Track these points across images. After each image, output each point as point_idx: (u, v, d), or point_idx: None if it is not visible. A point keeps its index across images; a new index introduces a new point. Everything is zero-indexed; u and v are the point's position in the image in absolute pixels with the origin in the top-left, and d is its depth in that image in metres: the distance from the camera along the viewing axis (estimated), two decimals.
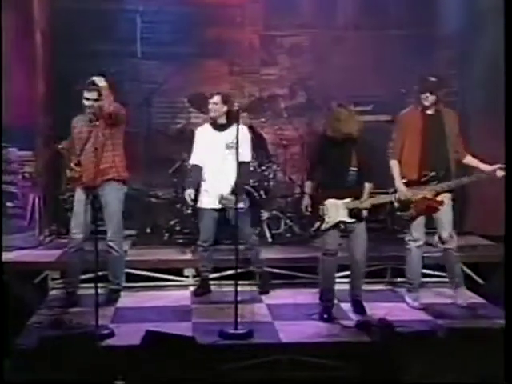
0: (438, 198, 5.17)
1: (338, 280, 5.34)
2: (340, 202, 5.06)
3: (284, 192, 7.05)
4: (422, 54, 7.23)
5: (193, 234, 6.44)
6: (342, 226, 5.09)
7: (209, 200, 5.49)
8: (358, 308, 5.23)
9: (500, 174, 4.95)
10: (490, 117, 6.51)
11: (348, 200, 5.07)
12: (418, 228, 5.25)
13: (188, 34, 7.42)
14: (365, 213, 5.11)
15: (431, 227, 5.39)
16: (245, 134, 5.38)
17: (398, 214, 5.23)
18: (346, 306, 5.30)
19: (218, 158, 5.43)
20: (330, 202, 5.06)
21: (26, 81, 6.27)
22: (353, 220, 5.08)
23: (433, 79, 5.17)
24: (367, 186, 5.12)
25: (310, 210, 5.16)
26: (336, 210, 5.07)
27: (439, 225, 5.26)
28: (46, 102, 6.87)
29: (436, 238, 5.38)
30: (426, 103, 5.17)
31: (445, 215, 5.21)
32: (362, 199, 5.08)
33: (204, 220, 5.56)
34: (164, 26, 7.41)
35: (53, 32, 7.02)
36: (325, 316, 5.07)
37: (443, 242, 5.27)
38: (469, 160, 5.25)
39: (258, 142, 6.92)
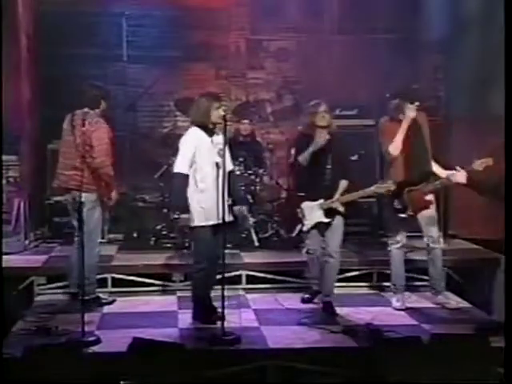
0: (427, 198, 5.25)
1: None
2: (314, 203, 5.18)
3: (271, 196, 7.06)
4: (407, 58, 7.28)
5: (179, 238, 6.46)
6: (321, 225, 5.24)
7: (206, 216, 4.88)
8: (328, 308, 5.26)
9: (460, 178, 4.89)
10: (475, 121, 6.55)
11: (321, 201, 5.19)
12: (399, 230, 5.31)
13: (174, 37, 7.41)
14: (341, 209, 5.20)
15: (414, 230, 5.43)
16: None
17: (399, 215, 5.22)
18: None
19: (213, 167, 4.88)
20: (305, 204, 5.22)
21: (11, 85, 6.21)
22: (329, 220, 5.21)
23: (415, 87, 5.34)
24: (342, 183, 5.21)
25: (304, 215, 5.26)
26: (312, 211, 5.20)
27: (427, 225, 5.29)
28: (31, 106, 6.81)
29: (425, 238, 5.37)
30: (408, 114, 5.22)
31: (432, 215, 5.29)
32: (333, 198, 5.17)
33: (202, 240, 4.92)
34: (150, 30, 7.40)
35: (38, 35, 6.97)
36: (306, 296, 5.43)
37: (432, 242, 5.30)
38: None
39: (251, 147, 6.94)
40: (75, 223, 5.18)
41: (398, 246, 5.33)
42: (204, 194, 4.88)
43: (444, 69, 7.21)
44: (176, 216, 4.88)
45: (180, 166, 4.89)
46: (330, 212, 5.22)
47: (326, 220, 5.21)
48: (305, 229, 5.33)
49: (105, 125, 5.34)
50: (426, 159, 5.26)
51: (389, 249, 5.36)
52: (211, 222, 4.87)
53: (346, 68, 7.36)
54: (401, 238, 5.32)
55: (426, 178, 5.25)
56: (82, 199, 5.13)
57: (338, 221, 5.25)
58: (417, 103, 5.18)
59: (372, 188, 5.14)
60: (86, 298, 5.19)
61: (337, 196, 5.19)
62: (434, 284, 5.42)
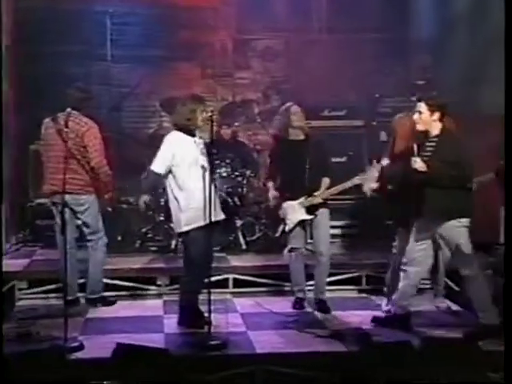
0: None
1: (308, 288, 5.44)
2: (295, 202, 5.24)
3: (258, 198, 7.05)
4: (396, 57, 7.33)
5: (165, 241, 6.44)
6: (304, 224, 5.30)
7: (194, 218, 4.83)
8: (323, 307, 5.32)
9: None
10: (465, 121, 6.57)
11: (302, 199, 5.25)
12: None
13: (159, 36, 7.38)
14: (322, 204, 5.25)
15: None
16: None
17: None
18: (321, 315, 5.31)
19: (198, 168, 4.87)
20: (286, 204, 5.30)
21: None
22: (311, 216, 5.27)
23: (420, 82, 5.26)
24: (324, 180, 5.27)
25: (286, 215, 5.30)
26: (293, 210, 5.26)
27: None
28: (11, 106, 6.74)
29: None
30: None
31: None
32: (314, 194, 5.22)
33: (192, 243, 4.85)
34: (135, 28, 7.37)
35: (20, 33, 6.91)
36: (296, 306, 5.36)
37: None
38: None
39: (235, 148, 6.93)
40: (69, 226, 5.17)
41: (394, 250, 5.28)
42: (189, 196, 4.85)
43: (433, 68, 7.23)
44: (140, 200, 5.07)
45: (156, 164, 4.91)
46: (312, 209, 5.27)
47: (309, 217, 5.27)
48: (287, 228, 5.37)
49: (95, 124, 5.32)
50: None
51: (394, 251, 5.26)
52: (199, 224, 4.84)
53: (335, 68, 7.36)
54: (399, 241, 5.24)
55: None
56: (81, 201, 5.20)
57: (323, 218, 5.31)
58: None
59: (353, 180, 5.16)
60: (93, 297, 5.42)
61: (320, 191, 5.24)
62: (434, 286, 5.42)
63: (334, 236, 6.31)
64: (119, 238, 6.66)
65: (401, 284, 4.91)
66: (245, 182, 6.79)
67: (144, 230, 6.68)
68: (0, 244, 5.65)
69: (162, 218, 6.53)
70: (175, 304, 5.14)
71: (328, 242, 5.38)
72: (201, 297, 4.96)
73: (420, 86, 5.19)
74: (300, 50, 7.58)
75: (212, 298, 4.64)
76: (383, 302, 5.39)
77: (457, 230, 4.67)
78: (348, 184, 5.20)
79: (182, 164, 4.85)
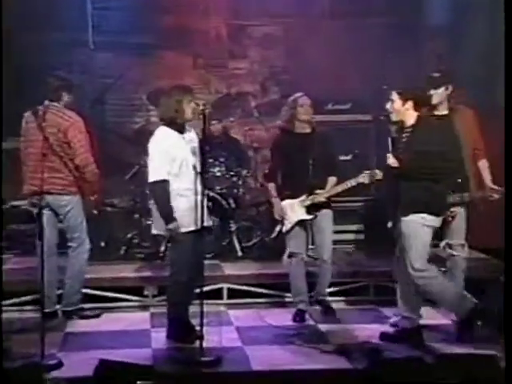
0: (451, 210, 5.12)
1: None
2: (295, 201, 5.28)
3: (255, 200, 7.08)
4: (407, 45, 7.32)
5: (153, 247, 6.46)
6: (305, 225, 5.34)
7: (183, 222, 4.80)
8: (326, 309, 5.42)
9: (495, 196, 4.97)
10: (481, 114, 6.59)
11: (303, 197, 5.30)
12: None
13: (146, 21, 7.40)
14: (325, 203, 5.30)
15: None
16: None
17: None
18: (325, 328, 5.32)
19: (187, 168, 4.84)
20: (285, 202, 5.35)
21: None
22: (311, 217, 5.31)
23: (436, 75, 5.17)
24: (330, 179, 5.32)
25: (285, 214, 5.34)
26: (293, 209, 5.30)
27: (449, 232, 5.25)
28: None
29: (443, 243, 5.32)
30: (434, 101, 5.16)
31: (457, 224, 5.20)
32: (316, 192, 5.26)
33: (180, 249, 4.83)
34: (118, 13, 7.39)
35: None
36: (297, 319, 5.36)
37: (451, 249, 5.26)
38: (483, 165, 5.26)
39: (229, 146, 6.95)
40: (49, 231, 5.20)
41: None
42: (179, 198, 4.84)
43: (446, 57, 7.25)
44: (171, 227, 4.77)
45: (156, 172, 4.78)
46: (312, 209, 5.32)
47: (308, 217, 5.31)
48: (284, 229, 5.40)
49: (79, 118, 5.32)
50: (460, 164, 5.09)
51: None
52: (189, 229, 4.84)
53: (339, 57, 7.41)
54: None
55: (452, 187, 5.08)
56: (63, 203, 5.20)
57: (326, 221, 5.36)
58: (431, 91, 5.10)
59: (356, 178, 5.19)
60: (69, 309, 5.40)
61: (324, 190, 5.28)
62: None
63: (338, 242, 6.37)
64: (102, 244, 6.65)
65: (400, 292, 4.93)
66: (240, 182, 6.81)
67: (130, 235, 6.69)
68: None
69: (149, 223, 6.49)
70: (163, 316, 5.12)
71: (330, 248, 5.44)
72: (192, 308, 4.97)
73: (435, 78, 5.18)
74: (301, 37, 7.59)
75: (204, 309, 4.63)
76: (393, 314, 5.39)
77: (414, 226, 4.68)
78: (352, 182, 5.23)
79: (172, 163, 4.82)
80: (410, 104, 4.72)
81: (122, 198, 7.08)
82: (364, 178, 5.18)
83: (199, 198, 4.70)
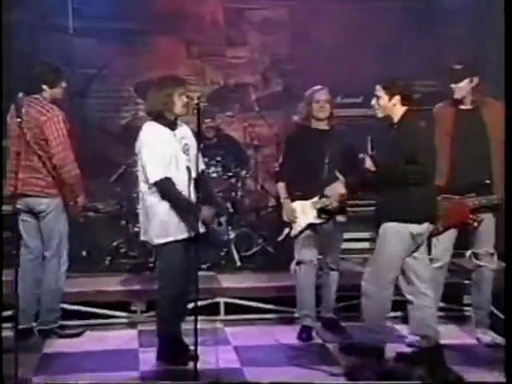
0: (477, 214, 5.14)
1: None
2: (306, 202, 5.30)
3: (255, 204, 7.10)
4: (422, 30, 7.34)
5: (141, 257, 6.47)
6: (315, 229, 5.35)
7: (175, 229, 4.79)
8: (335, 327, 5.42)
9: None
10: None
11: (315, 199, 5.32)
12: (439, 244, 5.26)
13: (134, 5, 7.37)
14: (337, 208, 5.30)
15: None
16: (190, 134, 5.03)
17: None
18: (333, 347, 5.28)
19: (178, 168, 4.81)
20: (296, 203, 5.38)
21: None
22: (321, 220, 5.34)
23: (458, 67, 5.20)
24: (339, 181, 5.23)
25: (294, 216, 5.34)
26: (303, 211, 5.32)
27: (476, 240, 5.26)
28: None
29: (468, 253, 5.33)
30: (456, 96, 5.20)
31: (484, 230, 5.20)
32: (330, 194, 5.24)
33: (171, 259, 4.82)
34: None
35: None
36: (303, 337, 5.38)
37: (478, 259, 5.26)
38: None
39: (226, 143, 6.93)
40: (27, 238, 5.23)
41: (438, 264, 5.28)
42: (167, 202, 4.82)
43: (466, 43, 7.22)
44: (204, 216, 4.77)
45: (156, 171, 4.71)
46: (324, 213, 5.32)
47: (319, 221, 5.33)
48: (293, 233, 5.41)
49: (59, 112, 5.31)
50: (485, 164, 5.16)
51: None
52: (181, 236, 4.83)
53: (350, 44, 7.39)
54: (440, 254, 5.27)
55: (478, 188, 5.14)
56: (42, 206, 5.21)
57: (337, 226, 5.38)
58: (454, 85, 5.13)
59: None
60: (45, 328, 5.38)
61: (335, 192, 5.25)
62: (475, 312, 5.42)
63: (349, 251, 6.36)
64: (84, 254, 6.67)
65: (409, 306, 4.91)
66: (239, 184, 6.81)
67: (115, 243, 6.70)
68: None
69: (137, 229, 6.48)
70: (153, 335, 5.09)
71: (339, 255, 5.48)
72: (185, 326, 4.95)
73: (457, 71, 5.18)
74: (307, 22, 7.57)
75: (198, 326, 4.59)
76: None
77: (388, 234, 4.69)
78: None
79: (171, 162, 4.80)
80: (397, 99, 4.73)
81: (107, 201, 7.10)
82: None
83: (194, 202, 4.69)
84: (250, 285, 6.12)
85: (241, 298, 5.94)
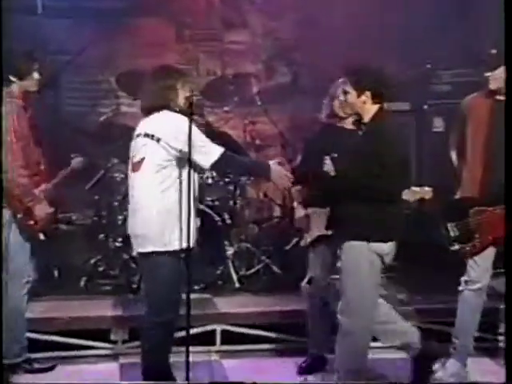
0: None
1: None
2: (324, 210, 5.17)
3: (257, 215, 7.13)
4: (453, 12, 7.33)
5: (122, 276, 6.46)
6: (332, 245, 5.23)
7: (168, 237, 4.82)
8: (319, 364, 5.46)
9: None
10: None
11: None
12: (477, 265, 5.23)
13: None
14: None
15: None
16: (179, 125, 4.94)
17: (455, 247, 5.20)
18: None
19: (174, 168, 4.90)
20: (311, 210, 5.41)
21: None
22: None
23: (494, 51, 5.23)
24: None
25: (307, 224, 5.38)
26: (317, 220, 5.28)
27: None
28: None
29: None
30: (492, 86, 5.19)
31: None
32: None
33: (162, 275, 4.83)
34: None
35: None
36: (312, 370, 5.44)
37: None
38: None
39: (218, 143, 6.85)
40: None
41: (475, 287, 5.26)
42: (170, 207, 4.81)
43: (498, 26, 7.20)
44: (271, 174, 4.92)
45: (215, 146, 4.87)
46: None
47: (329, 232, 5.24)
48: (303, 243, 5.45)
49: (12, 106, 5.25)
50: None
51: (460, 289, 5.30)
52: (167, 248, 4.80)
53: (367, 28, 7.40)
54: (478, 275, 5.24)
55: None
56: None
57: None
58: (490, 73, 5.14)
59: (401, 193, 5.13)
60: (8, 362, 5.33)
61: None
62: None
63: None
64: (55, 274, 6.62)
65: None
66: (238, 191, 6.81)
67: (92, 261, 6.66)
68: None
69: (118, 245, 6.52)
70: (137, 368, 5.01)
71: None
72: (174, 357, 4.92)
73: (493, 56, 5.23)
74: (317, 2, 7.54)
75: (191, 359, 4.61)
76: (448, 362, 5.33)
77: (348, 257, 4.72)
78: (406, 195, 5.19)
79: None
80: (367, 95, 4.73)
81: (83, 212, 7.09)
82: (408, 195, 5.14)
83: (184, 212, 4.71)
84: (250, 309, 6.09)
85: (240, 326, 5.92)
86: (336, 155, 4.78)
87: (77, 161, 5.75)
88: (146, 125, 4.90)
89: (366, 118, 4.78)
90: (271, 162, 4.94)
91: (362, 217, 4.66)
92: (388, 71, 6.98)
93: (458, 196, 5.25)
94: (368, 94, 4.72)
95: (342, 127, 5.41)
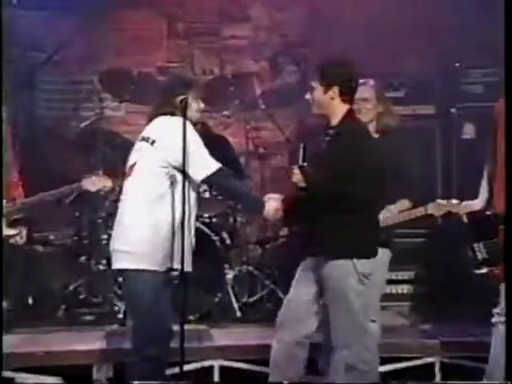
0: None
1: None
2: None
3: (261, 233, 7.16)
4: (477, 6, 7.23)
5: (106, 304, 6.49)
6: None
7: (160, 255, 4.88)
8: None
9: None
10: None
11: None
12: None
13: None
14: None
15: None
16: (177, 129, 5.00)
17: (482, 270, 5.19)
18: None
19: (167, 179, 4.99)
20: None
21: None
22: None
23: None
24: (401, 203, 5.30)
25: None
26: None
27: None
28: None
29: None
30: None
31: None
32: None
33: (150, 300, 4.84)
34: None
35: None
36: None
37: None
38: None
39: (214, 150, 6.86)
40: None
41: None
42: (159, 221, 4.87)
43: None
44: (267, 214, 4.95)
45: (212, 160, 4.96)
46: None
47: None
48: None
49: None
50: None
51: (493, 321, 5.23)
52: (157, 268, 4.81)
53: (386, 21, 7.39)
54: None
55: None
56: None
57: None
58: None
59: (426, 206, 5.22)
60: None
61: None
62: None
63: (387, 296, 6.24)
64: (30, 302, 6.65)
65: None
66: (239, 207, 6.78)
67: (72, 287, 6.71)
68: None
69: (102, 268, 6.55)
70: None
71: (378, 301, 5.42)
72: None
73: None
74: None
75: None
76: None
77: (333, 278, 4.73)
78: (417, 213, 5.27)
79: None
80: (335, 91, 4.74)
81: (61, 231, 7.12)
82: (433, 208, 5.21)
83: (178, 229, 4.75)
84: (253, 342, 6.09)
85: (241, 361, 5.95)
86: (305, 164, 4.74)
87: (90, 181, 5.59)
88: (146, 129, 4.99)
89: (334, 120, 4.77)
90: (266, 198, 4.96)
91: (339, 231, 4.66)
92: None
93: (488, 212, 5.21)
94: (336, 89, 4.72)
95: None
